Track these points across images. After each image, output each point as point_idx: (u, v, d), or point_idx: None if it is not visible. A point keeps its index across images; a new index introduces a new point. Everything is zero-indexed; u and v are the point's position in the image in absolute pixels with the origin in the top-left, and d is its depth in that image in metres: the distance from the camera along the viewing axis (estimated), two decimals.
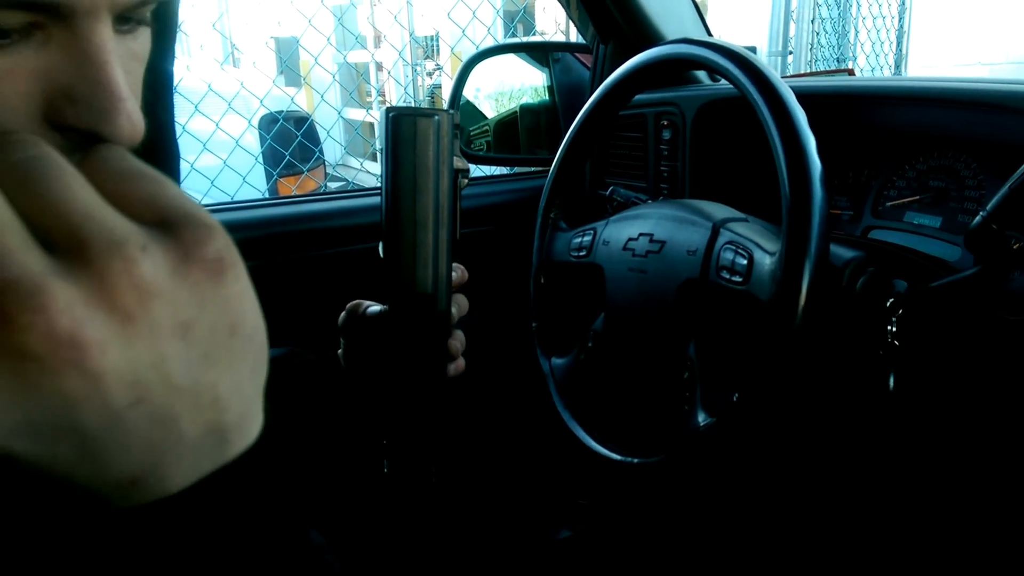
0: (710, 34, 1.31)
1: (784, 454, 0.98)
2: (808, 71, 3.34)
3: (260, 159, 2.22)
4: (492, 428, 1.25)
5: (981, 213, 0.67)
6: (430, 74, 5.02)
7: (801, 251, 0.63)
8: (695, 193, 1.13)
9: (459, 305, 0.73)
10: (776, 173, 0.68)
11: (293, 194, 1.94)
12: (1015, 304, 0.75)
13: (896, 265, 0.76)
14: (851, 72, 2.58)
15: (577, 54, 1.51)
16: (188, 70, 2.24)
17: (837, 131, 0.97)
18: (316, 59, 2.22)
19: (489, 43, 1.69)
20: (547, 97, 1.55)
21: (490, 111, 1.60)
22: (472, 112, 1.58)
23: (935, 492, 0.86)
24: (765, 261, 0.69)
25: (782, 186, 0.66)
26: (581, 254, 0.91)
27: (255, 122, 2.23)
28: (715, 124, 1.11)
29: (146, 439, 0.28)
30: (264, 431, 0.46)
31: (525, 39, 3.00)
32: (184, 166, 1.87)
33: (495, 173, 1.83)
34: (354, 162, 4.17)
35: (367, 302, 0.78)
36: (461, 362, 0.74)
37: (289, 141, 2.24)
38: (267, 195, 2.38)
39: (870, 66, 3.78)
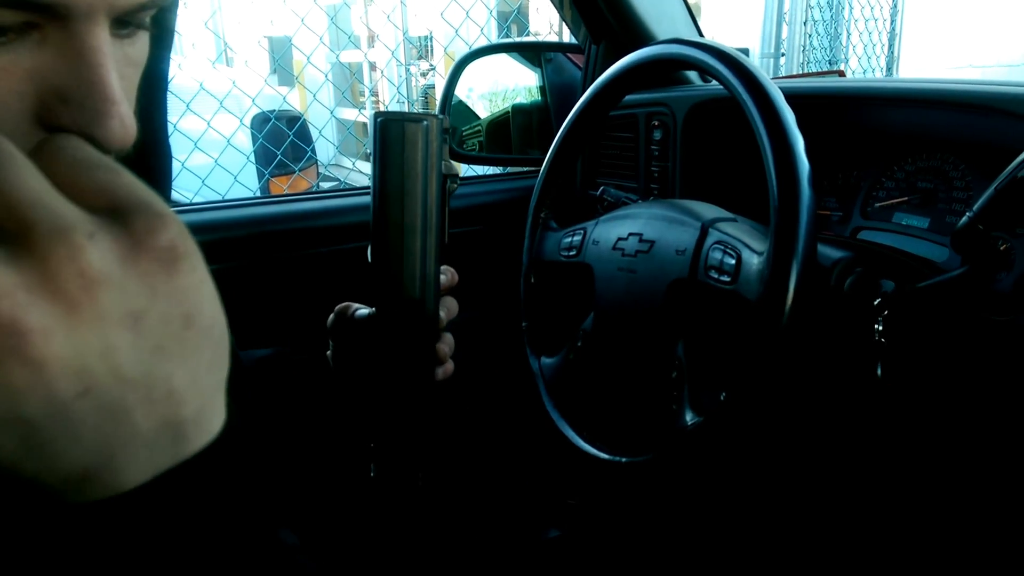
0: (701, 35, 1.31)
1: (772, 453, 0.98)
2: (799, 73, 3.35)
3: (252, 158, 2.22)
4: (481, 427, 1.25)
5: (967, 214, 0.68)
6: (424, 74, 5.02)
7: (788, 251, 0.64)
8: (685, 193, 1.14)
9: (448, 308, 0.73)
10: (765, 173, 0.68)
11: (285, 193, 1.93)
12: (1001, 304, 0.75)
13: (884, 265, 0.76)
14: (841, 73, 2.59)
15: (569, 54, 1.51)
16: (180, 69, 2.23)
17: (827, 132, 0.97)
18: (308, 58, 2.21)
19: (482, 43, 1.69)
20: (539, 97, 1.55)
21: (484, 111, 1.61)
22: (465, 112, 1.58)
23: (922, 490, 0.86)
24: (753, 261, 0.70)
25: (770, 186, 0.66)
26: (571, 254, 0.92)
27: (247, 121, 2.22)
28: (706, 125, 1.12)
29: (96, 431, 0.27)
30: (249, 430, 0.46)
31: (518, 39, 3.00)
32: (175, 165, 1.87)
33: (487, 173, 1.83)
34: (347, 162, 4.16)
35: (355, 304, 0.78)
36: (450, 365, 0.74)
37: (281, 140, 2.24)
38: (259, 194, 2.38)
39: (862, 68, 3.79)
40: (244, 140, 2.37)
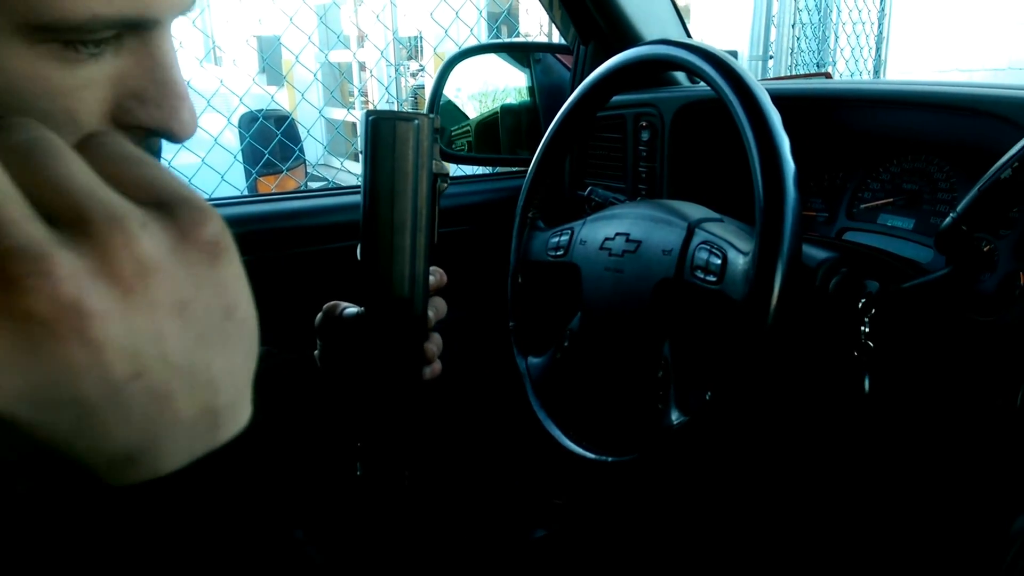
0: (689, 36, 1.31)
1: (758, 453, 0.99)
2: (787, 75, 3.36)
3: (239, 157, 2.21)
4: (468, 427, 1.25)
5: (951, 215, 0.68)
6: (414, 75, 5.01)
7: (773, 251, 0.64)
8: (673, 193, 1.14)
9: (437, 308, 0.73)
10: (751, 174, 0.68)
11: (272, 192, 1.93)
12: (984, 305, 0.76)
13: (869, 266, 0.77)
14: (828, 75, 2.60)
15: (558, 55, 1.51)
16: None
17: (813, 134, 0.98)
18: (297, 58, 2.20)
19: (472, 44, 1.69)
20: (528, 98, 1.55)
21: (473, 111, 1.61)
22: (454, 112, 1.58)
23: (905, 489, 0.87)
24: (738, 261, 0.70)
25: (755, 186, 0.66)
26: (558, 253, 0.92)
27: (235, 120, 2.21)
28: (693, 126, 1.12)
29: (143, 415, 0.28)
30: (248, 427, 0.47)
31: (507, 40, 3.00)
32: (163, 163, 1.86)
33: (476, 173, 1.83)
34: (335, 162, 4.15)
35: (344, 303, 0.78)
36: (437, 365, 0.74)
37: (269, 140, 2.23)
38: (246, 194, 2.36)
39: (849, 71, 3.82)
40: (233, 140, 2.36)
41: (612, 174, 1.24)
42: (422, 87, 4.75)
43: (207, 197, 1.49)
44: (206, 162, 1.91)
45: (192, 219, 0.29)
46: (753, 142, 0.67)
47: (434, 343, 0.73)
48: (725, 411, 0.67)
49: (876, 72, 3.94)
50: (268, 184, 2.42)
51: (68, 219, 0.27)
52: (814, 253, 0.75)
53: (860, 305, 0.72)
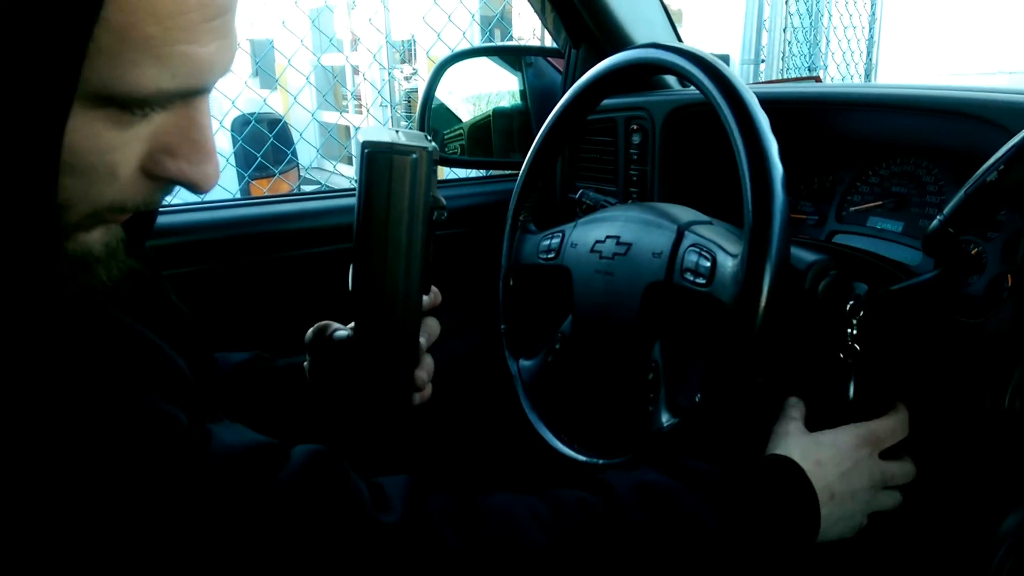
0: (680, 40, 1.32)
1: (749, 455, 0.99)
2: (778, 79, 3.38)
3: (231, 160, 2.20)
4: (459, 429, 1.24)
5: (938, 217, 0.68)
6: (407, 78, 5.01)
7: (762, 253, 0.64)
8: (664, 197, 1.14)
9: (429, 332, 0.73)
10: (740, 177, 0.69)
11: (264, 195, 1.92)
12: (972, 307, 0.76)
13: (858, 269, 0.77)
14: (818, 79, 2.61)
15: (550, 58, 1.52)
16: None
17: (803, 137, 0.98)
18: (289, 61, 2.20)
19: (464, 47, 1.69)
20: (520, 101, 1.55)
21: (465, 115, 1.61)
22: (446, 115, 1.58)
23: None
24: (727, 263, 0.70)
25: (744, 189, 0.66)
26: (549, 256, 0.92)
27: (227, 123, 2.21)
28: (684, 129, 1.12)
29: None
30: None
31: (499, 44, 3.01)
32: None
33: (468, 176, 1.83)
34: (328, 165, 4.15)
35: (334, 324, 0.78)
36: (427, 390, 0.74)
37: (262, 143, 2.22)
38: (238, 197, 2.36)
39: (840, 75, 3.84)
40: (226, 144, 2.35)
41: (603, 177, 1.24)
42: (415, 91, 4.75)
43: (198, 200, 1.49)
44: None
45: None
46: (741, 145, 0.68)
47: (424, 369, 0.73)
48: (714, 413, 0.68)
49: (867, 76, 3.96)
50: (261, 187, 2.42)
51: None
52: (803, 255, 0.75)
53: (848, 307, 0.73)
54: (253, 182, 2.40)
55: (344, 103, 5.57)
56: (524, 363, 0.94)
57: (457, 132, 1.58)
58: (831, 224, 1.00)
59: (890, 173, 0.95)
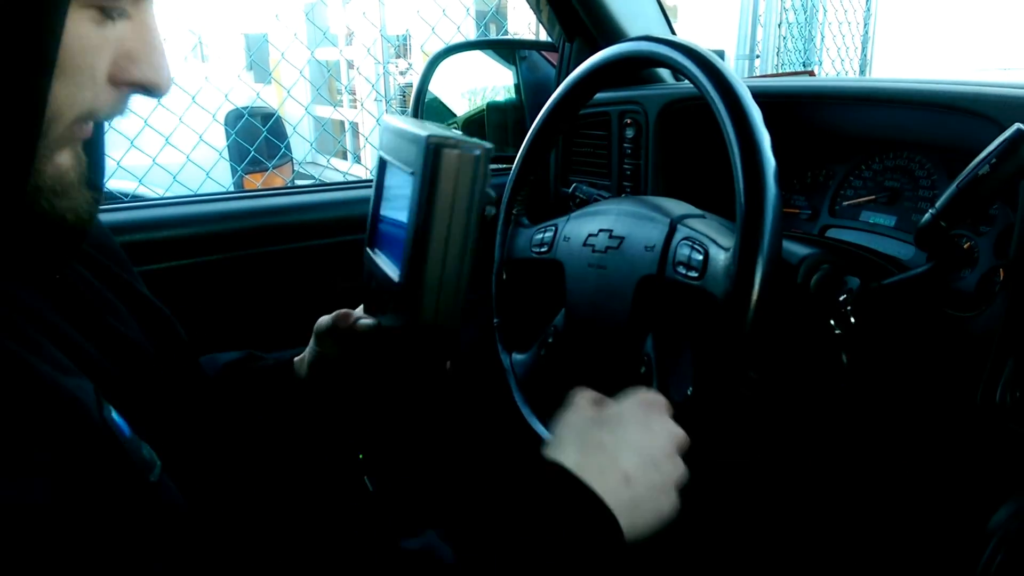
0: (674, 34, 1.32)
1: (739, 449, 0.99)
2: (772, 73, 3.38)
3: (225, 154, 2.19)
4: (453, 424, 1.24)
5: (930, 211, 0.69)
6: (402, 73, 5.00)
7: (754, 247, 0.64)
8: (657, 190, 1.14)
9: None
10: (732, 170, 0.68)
11: (257, 188, 1.92)
12: (964, 301, 0.76)
13: (850, 263, 0.77)
14: (812, 74, 2.61)
15: (544, 52, 1.52)
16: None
17: (796, 131, 0.98)
18: (283, 55, 2.19)
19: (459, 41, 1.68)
20: (514, 95, 1.55)
21: (460, 108, 1.61)
22: (439, 109, 1.58)
23: (887, 487, 0.87)
24: (720, 257, 0.70)
25: (736, 183, 0.66)
26: (542, 250, 0.91)
27: (220, 117, 2.20)
28: (678, 123, 1.12)
29: None
30: (225, 436, 0.49)
31: (493, 37, 3.00)
32: (146, 161, 1.84)
33: None
34: (322, 159, 4.13)
35: (356, 313, 0.77)
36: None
37: (255, 137, 2.21)
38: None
39: (835, 71, 3.84)
40: (218, 137, 2.34)
41: (597, 171, 1.24)
42: (410, 85, 4.74)
43: (192, 194, 1.49)
44: (191, 159, 1.90)
45: None
46: (734, 138, 0.67)
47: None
48: (705, 407, 0.68)
49: (862, 72, 3.96)
50: (254, 182, 2.41)
51: None
52: (796, 250, 0.75)
53: (841, 301, 0.73)
54: (246, 176, 2.39)
55: (338, 97, 5.55)
56: (517, 357, 0.94)
57: (451, 126, 1.57)
58: (824, 218, 1.00)
59: (883, 167, 0.95)
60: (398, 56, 5.05)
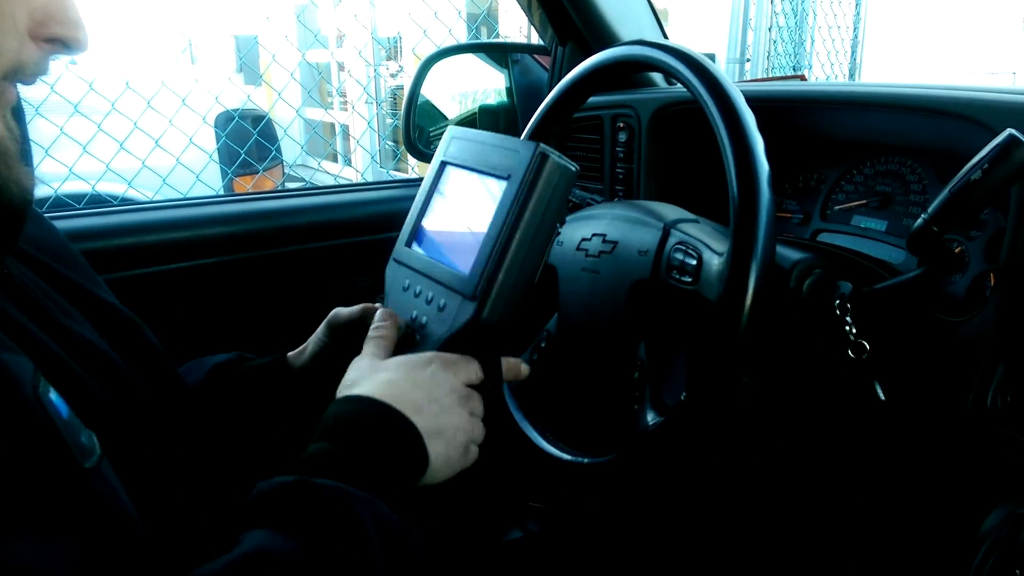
0: (666, 38, 1.32)
1: (733, 454, 0.99)
2: (763, 77, 3.39)
3: (215, 157, 2.18)
4: None
5: (922, 216, 0.69)
6: (393, 75, 4.99)
7: (747, 252, 0.64)
8: (650, 195, 1.14)
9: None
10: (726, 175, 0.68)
11: (248, 191, 1.91)
12: (955, 306, 0.76)
13: (842, 267, 0.77)
14: (803, 78, 2.62)
15: (536, 56, 1.51)
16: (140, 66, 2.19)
17: (788, 135, 0.98)
18: (274, 57, 2.19)
19: (450, 44, 1.68)
20: (506, 98, 1.55)
21: (452, 111, 1.60)
22: (431, 112, 1.57)
23: (879, 491, 0.87)
24: (713, 261, 0.70)
25: (730, 187, 0.66)
26: None
27: (210, 119, 2.19)
28: (670, 127, 1.12)
29: None
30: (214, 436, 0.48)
31: (485, 40, 3.00)
32: (135, 163, 1.83)
33: None
34: (313, 162, 4.12)
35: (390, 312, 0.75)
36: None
37: (246, 140, 2.20)
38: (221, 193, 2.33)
39: (825, 74, 3.86)
40: (208, 139, 2.33)
41: (589, 175, 1.24)
42: (401, 88, 4.73)
43: (182, 197, 1.48)
44: (181, 161, 1.89)
45: None
46: (727, 143, 0.67)
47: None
48: (700, 412, 0.67)
49: (851, 75, 3.99)
50: (244, 184, 2.40)
51: None
52: (788, 254, 0.75)
53: (835, 306, 0.73)
54: (236, 179, 2.38)
55: (329, 100, 5.54)
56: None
57: (443, 129, 1.57)
58: (815, 222, 1.00)
59: (874, 172, 0.95)
60: (389, 58, 5.05)
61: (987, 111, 0.75)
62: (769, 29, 3.52)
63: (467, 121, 1.58)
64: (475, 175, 0.70)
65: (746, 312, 0.64)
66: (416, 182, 1.58)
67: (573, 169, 0.65)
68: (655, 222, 0.79)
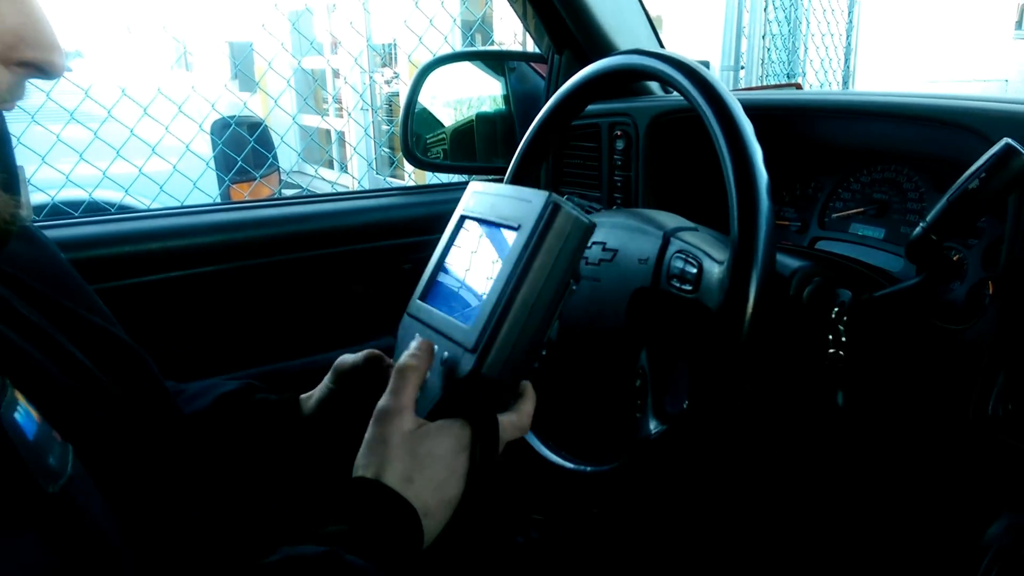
0: (662, 46, 1.32)
1: (735, 462, 0.99)
2: (758, 85, 3.41)
3: (212, 164, 2.18)
4: None
5: (921, 224, 0.69)
6: (388, 82, 4.99)
7: (748, 260, 0.64)
8: (648, 203, 1.14)
9: None
10: (725, 183, 0.69)
11: (245, 199, 1.90)
12: (954, 314, 0.77)
13: (842, 275, 0.78)
14: (798, 86, 2.64)
15: (533, 64, 1.52)
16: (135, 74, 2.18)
17: (785, 144, 0.99)
18: (270, 64, 2.19)
19: (446, 52, 1.68)
20: (503, 106, 1.55)
21: (448, 119, 1.60)
22: (428, 119, 1.57)
23: (881, 499, 0.87)
24: (714, 270, 0.70)
25: (729, 196, 0.66)
26: None
27: (206, 127, 2.19)
28: (668, 135, 1.13)
29: None
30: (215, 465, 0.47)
31: (481, 48, 3.01)
32: (131, 171, 1.83)
33: (451, 181, 1.82)
34: (309, 169, 4.12)
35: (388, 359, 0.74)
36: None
37: (242, 147, 2.20)
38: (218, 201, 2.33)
39: (819, 81, 3.88)
40: (204, 147, 2.33)
41: (588, 183, 1.24)
42: (396, 94, 4.74)
43: (178, 205, 1.47)
44: (178, 169, 1.89)
45: None
46: (726, 152, 0.68)
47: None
48: (702, 420, 0.68)
49: (845, 82, 4.01)
50: (241, 191, 2.40)
51: None
52: (788, 262, 0.76)
53: (833, 314, 0.73)
54: (233, 186, 2.37)
55: (325, 107, 5.54)
56: None
57: (440, 137, 1.57)
58: (814, 230, 1.00)
59: (872, 180, 0.96)
60: (384, 65, 5.05)
61: (983, 120, 0.75)
62: (763, 37, 3.54)
63: (464, 129, 1.58)
64: (489, 227, 0.68)
65: (747, 320, 0.64)
66: (414, 189, 1.58)
67: (587, 222, 0.61)
68: (655, 230, 0.79)
